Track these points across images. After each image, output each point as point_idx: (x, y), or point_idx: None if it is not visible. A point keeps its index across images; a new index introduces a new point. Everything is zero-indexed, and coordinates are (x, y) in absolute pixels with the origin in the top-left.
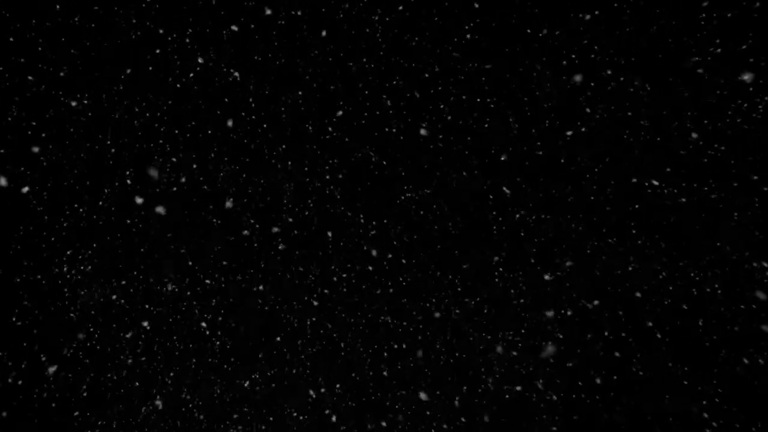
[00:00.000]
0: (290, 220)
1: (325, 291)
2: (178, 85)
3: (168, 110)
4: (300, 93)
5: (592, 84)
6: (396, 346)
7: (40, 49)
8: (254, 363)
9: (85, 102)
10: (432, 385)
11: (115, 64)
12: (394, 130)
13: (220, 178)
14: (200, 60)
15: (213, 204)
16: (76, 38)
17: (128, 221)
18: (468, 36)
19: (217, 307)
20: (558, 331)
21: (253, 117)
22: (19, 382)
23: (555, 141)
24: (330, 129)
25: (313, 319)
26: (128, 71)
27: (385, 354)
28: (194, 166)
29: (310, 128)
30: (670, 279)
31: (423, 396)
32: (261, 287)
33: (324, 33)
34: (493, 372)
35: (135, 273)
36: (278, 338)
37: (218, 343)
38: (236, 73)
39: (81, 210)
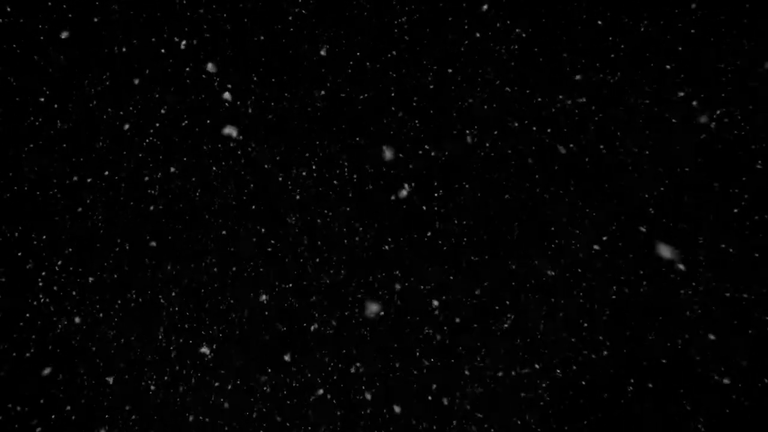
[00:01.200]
0: (296, 224)
1: (333, 302)
2: (181, 86)
3: (168, 112)
4: (306, 93)
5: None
6: (408, 357)
7: (35, 54)
8: (257, 373)
9: (72, 106)
10: (444, 397)
11: (115, 63)
12: (410, 133)
13: (219, 182)
14: (207, 63)
15: (214, 209)
16: (73, 42)
17: (126, 227)
18: (490, 36)
19: (216, 316)
20: (573, 345)
21: (257, 119)
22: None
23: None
24: (337, 130)
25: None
26: (127, 71)
27: (401, 368)
28: (194, 169)
29: (316, 128)
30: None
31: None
32: (264, 297)
33: (333, 30)
34: (506, 382)
35: (133, 282)
36: (285, 353)
37: (218, 352)
38: (230, 87)
39: (76, 219)
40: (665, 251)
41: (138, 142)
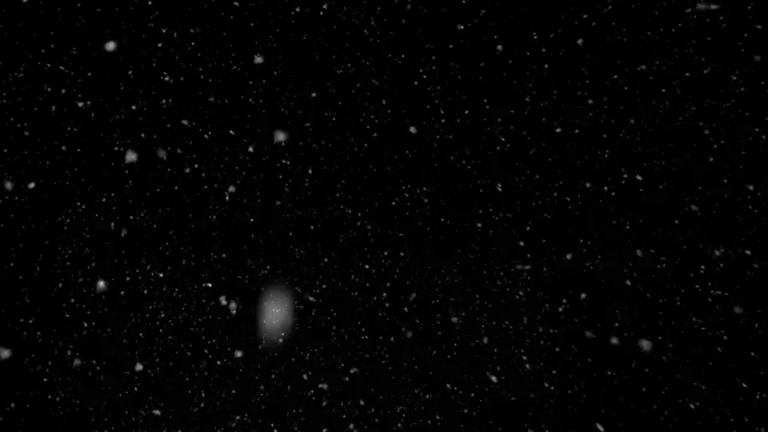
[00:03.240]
0: (289, 217)
1: (326, 291)
2: (180, 84)
3: (168, 110)
4: (301, 93)
5: (591, 81)
6: (396, 345)
7: (42, 50)
8: (255, 365)
9: (88, 102)
10: (433, 383)
11: (116, 63)
12: (392, 129)
13: (220, 177)
14: (201, 57)
15: (213, 203)
16: (78, 38)
17: (128, 222)
18: (467, 33)
19: (214, 307)
20: (555, 327)
21: (255, 118)
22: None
23: (552, 139)
24: (330, 128)
25: (312, 317)
26: (129, 70)
27: (386, 353)
28: (195, 166)
29: (310, 128)
30: (673, 276)
31: (425, 395)
32: (261, 288)
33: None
34: (494, 369)
35: (133, 273)
36: (280, 339)
37: (216, 343)
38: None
39: (82, 209)
40: None
41: (145, 135)
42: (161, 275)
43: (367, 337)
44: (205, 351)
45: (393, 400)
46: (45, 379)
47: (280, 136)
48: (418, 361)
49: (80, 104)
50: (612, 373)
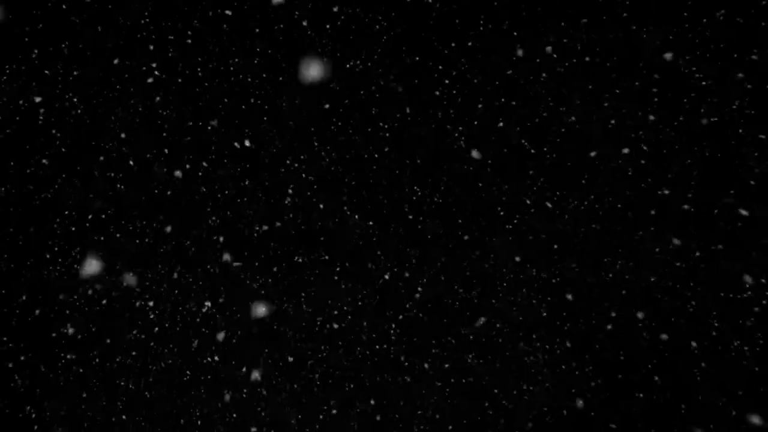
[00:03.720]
0: (291, 218)
1: (327, 292)
2: (177, 85)
3: (166, 109)
4: (302, 91)
5: (595, 85)
6: (399, 350)
7: (36, 50)
8: (254, 368)
9: (78, 101)
10: (436, 389)
11: (113, 63)
12: (397, 130)
13: (220, 178)
14: (200, 58)
15: (212, 205)
16: (72, 37)
17: (127, 221)
18: (474, 34)
19: (213, 310)
20: (560, 335)
21: (255, 116)
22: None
23: (560, 142)
24: (332, 127)
25: (318, 322)
26: (126, 72)
27: (390, 359)
28: (189, 166)
29: (312, 127)
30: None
31: (429, 399)
32: (261, 288)
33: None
34: (499, 375)
35: (129, 286)
36: (279, 344)
37: (215, 347)
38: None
39: (77, 211)
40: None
41: (144, 135)
42: (156, 288)
43: (375, 347)
44: (204, 371)
45: (404, 414)
46: (33, 401)
47: (313, 72)
48: (427, 372)
49: (68, 104)
50: (625, 386)
